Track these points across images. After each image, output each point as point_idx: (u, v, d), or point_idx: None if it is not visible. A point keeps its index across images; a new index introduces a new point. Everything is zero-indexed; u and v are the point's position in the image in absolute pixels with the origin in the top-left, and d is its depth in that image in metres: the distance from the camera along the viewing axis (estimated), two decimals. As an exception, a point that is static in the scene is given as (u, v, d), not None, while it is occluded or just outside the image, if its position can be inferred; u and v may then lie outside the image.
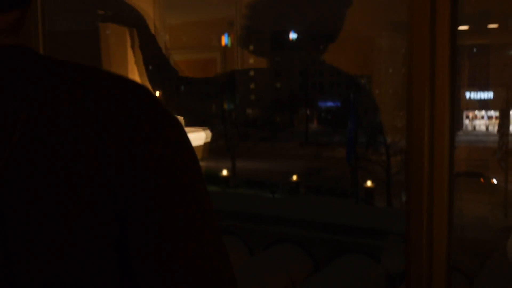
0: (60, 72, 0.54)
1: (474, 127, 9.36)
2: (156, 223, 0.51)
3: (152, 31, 3.15)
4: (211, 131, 5.49)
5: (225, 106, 6.54)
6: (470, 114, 9.36)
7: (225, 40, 5.94)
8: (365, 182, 5.70)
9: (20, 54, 0.53)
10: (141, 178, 0.52)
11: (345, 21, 3.02)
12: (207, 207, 0.54)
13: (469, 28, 5.37)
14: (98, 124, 0.51)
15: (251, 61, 6.93)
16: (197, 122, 5.63)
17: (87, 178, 0.50)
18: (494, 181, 6.31)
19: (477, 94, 9.02)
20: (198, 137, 4.03)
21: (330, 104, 7.48)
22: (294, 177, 6.19)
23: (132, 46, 2.93)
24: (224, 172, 5.79)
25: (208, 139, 4.29)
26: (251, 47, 6.72)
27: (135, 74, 2.95)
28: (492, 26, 6.07)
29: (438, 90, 0.84)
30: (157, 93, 3.62)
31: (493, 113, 9.18)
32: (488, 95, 9.05)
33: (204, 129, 4.73)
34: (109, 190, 0.51)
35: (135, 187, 0.51)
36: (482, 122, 9.46)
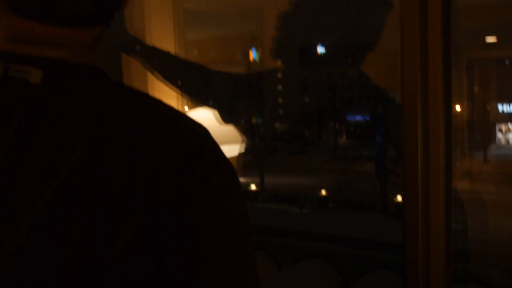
0: (126, 100, 0.55)
1: (508, 141, 9.16)
2: (193, 266, 0.51)
3: (172, 49, 3.19)
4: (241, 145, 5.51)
5: (254, 120, 6.57)
6: (504, 128, 9.16)
7: (253, 54, 5.97)
8: (395, 196, 5.63)
9: (95, 75, 0.55)
10: (186, 219, 0.52)
11: (384, 27, 2.93)
12: (250, 257, 0.53)
13: (498, 40, 5.28)
14: (155, 159, 0.52)
15: (279, 75, 6.95)
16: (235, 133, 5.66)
17: (136, 210, 0.51)
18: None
19: (510, 107, 8.84)
20: (232, 149, 4.06)
21: (359, 118, 7.43)
22: (323, 192, 6.15)
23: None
24: (253, 187, 5.79)
25: (238, 152, 4.30)
26: (279, 61, 6.75)
27: (154, 89, 2.99)
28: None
29: (432, 103, 0.83)
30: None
31: (528, 126, 8.96)
32: (521, 107, 8.85)
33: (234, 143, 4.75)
34: (155, 225, 0.51)
35: (179, 227, 0.51)
36: (516, 135, 9.25)
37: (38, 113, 0.51)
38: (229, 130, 3.49)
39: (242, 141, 5.38)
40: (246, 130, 5.79)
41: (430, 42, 0.87)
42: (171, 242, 0.52)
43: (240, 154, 5.05)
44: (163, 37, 3.06)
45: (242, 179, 5.67)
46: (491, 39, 5.34)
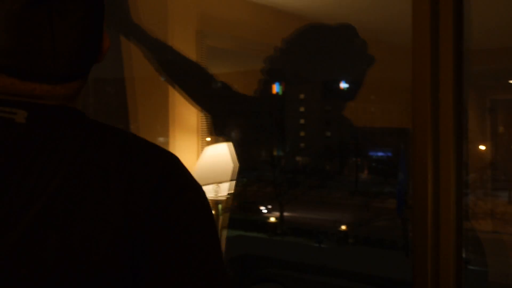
0: (101, 135, 0.62)
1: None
2: (164, 278, 0.56)
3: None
4: (259, 177, 5.53)
5: (275, 152, 6.60)
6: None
7: (276, 88, 6.06)
8: (416, 235, 5.53)
9: (74, 115, 0.61)
10: (157, 236, 0.57)
11: (365, 80, 3.01)
12: (217, 268, 0.58)
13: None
14: (127, 184, 0.58)
15: (302, 109, 7.01)
16: (249, 168, 5.70)
17: (110, 229, 0.56)
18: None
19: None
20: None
21: (380, 154, 7.41)
22: (343, 227, 6.10)
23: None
24: (272, 219, 5.79)
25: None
26: (302, 96, 6.81)
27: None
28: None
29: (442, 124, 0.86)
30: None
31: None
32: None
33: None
34: (129, 242, 0.57)
35: (151, 244, 0.56)
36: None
37: (23, 148, 0.57)
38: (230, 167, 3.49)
39: (263, 173, 5.39)
40: (266, 162, 5.80)
41: (442, 79, 0.90)
42: (145, 257, 0.57)
43: (260, 185, 5.10)
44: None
45: (262, 210, 5.66)
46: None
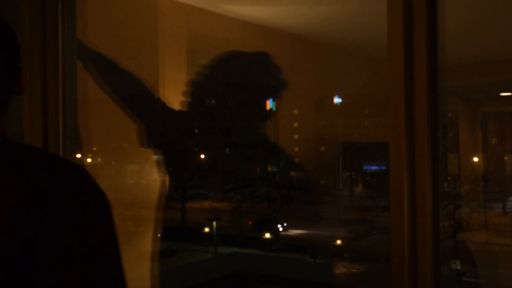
0: (8, 152, 0.70)
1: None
2: (56, 273, 0.61)
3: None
4: (253, 193, 5.54)
5: (269, 168, 6.60)
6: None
7: (269, 104, 6.08)
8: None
9: None
10: (48, 236, 0.64)
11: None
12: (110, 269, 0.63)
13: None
14: (18, 193, 0.65)
15: (295, 124, 7.04)
16: (241, 185, 5.70)
17: (2, 232, 0.63)
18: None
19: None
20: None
21: (375, 168, 7.43)
22: (338, 242, 6.09)
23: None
24: (267, 235, 5.78)
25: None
26: (295, 111, 6.85)
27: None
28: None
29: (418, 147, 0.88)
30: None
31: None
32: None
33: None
34: (21, 245, 0.63)
35: (42, 246, 0.62)
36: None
37: None
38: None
39: (257, 189, 5.39)
40: (261, 178, 5.81)
41: (416, 94, 0.93)
42: (38, 257, 0.64)
43: (255, 202, 5.10)
44: (177, 88, 3.21)
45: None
46: (505, 93, 5.39)
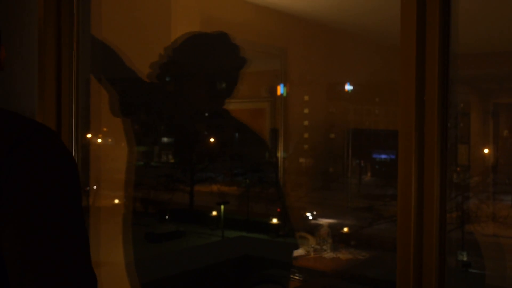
0: None
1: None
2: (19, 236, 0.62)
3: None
4: (261, 178, 5.55)
5: (279, 154, 6.60)
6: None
7: (280, 90, 6.08)
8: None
9: None
10: (11, 189, 0.64)
11: (240, 79, 3.34)
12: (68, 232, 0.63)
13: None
14: None
15: (306, 110, 7.02)
16: (248, 170, 5.72)
17: None
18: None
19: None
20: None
21: (384, 156, 7.41)
22: (345, 229, 6.10)
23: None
24: (274, 220, 5.80)
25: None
26: (306, 97, 6.83)
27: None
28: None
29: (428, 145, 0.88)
30: None
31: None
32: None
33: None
34: None
35: (5, 196, 0.63)
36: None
37: None
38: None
39: (265, 174, 5.41)
40: (270, 163, 5.84)
41: (427, 81, 0.93)
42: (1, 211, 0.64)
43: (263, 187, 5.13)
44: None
45: (263, 211, 5.69)
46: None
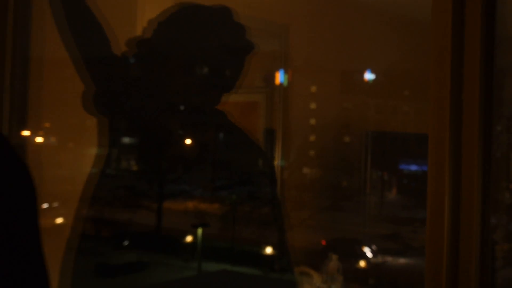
0: None
1: None
2: None
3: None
4: (256, 193, 5.60)
5: (276, 162, 6.65)
6: None
7: (280, 77, 6.12)
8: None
9: None
10: None
11: (246, 69, 3.38)
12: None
13: None
14: None
15: (313, 105, 7.07)
16: (236, 182, 5.77)
17: None
18: None
19: None
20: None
21: (414, 167, 7.45)
22: (362, 263, 6.17)
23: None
24: (268, 250, 5.85)
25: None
26: (313, 89, 6.89)
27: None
28: None
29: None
30: None
31: None
32: None
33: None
34: None
35: None
36: None
37: None
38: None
39: (260, 189, 5.47)
40: (264, 174, 5.89)
41: (466, 75, 0.96)
42: None
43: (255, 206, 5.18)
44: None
45: (254, 237, 5.72)
46: None
